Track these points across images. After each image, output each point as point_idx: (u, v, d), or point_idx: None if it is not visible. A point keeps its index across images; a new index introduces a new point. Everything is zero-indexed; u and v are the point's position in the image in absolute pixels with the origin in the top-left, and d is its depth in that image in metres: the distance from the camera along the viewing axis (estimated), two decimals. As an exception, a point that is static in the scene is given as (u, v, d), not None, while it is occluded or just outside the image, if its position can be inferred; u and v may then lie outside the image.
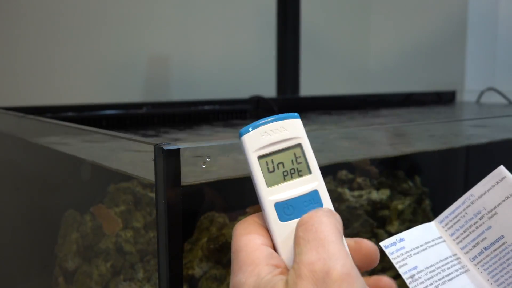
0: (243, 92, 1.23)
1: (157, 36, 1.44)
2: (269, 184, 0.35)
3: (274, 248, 0.34)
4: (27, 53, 1.26)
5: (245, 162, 0.36)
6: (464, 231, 0.41)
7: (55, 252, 0.70)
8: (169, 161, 0.44)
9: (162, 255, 0.45)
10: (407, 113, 1.20)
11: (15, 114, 0.82)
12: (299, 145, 0.36)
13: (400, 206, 0.69)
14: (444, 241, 0.42)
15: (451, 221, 0.42)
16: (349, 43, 1.83)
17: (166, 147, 0.44)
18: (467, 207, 0.41)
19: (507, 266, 0.39)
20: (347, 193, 0.65)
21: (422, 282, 0.39)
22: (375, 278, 0.35)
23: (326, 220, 0.32)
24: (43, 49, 1.28)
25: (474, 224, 0.41)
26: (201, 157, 0.47)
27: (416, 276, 0.39)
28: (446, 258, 0.41)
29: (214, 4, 1.52)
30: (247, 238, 0.34)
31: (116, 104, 0.97)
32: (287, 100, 1.23)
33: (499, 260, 0.39)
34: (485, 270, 0.40)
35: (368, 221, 0.66)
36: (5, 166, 0.89)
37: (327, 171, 0.60)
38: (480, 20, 1.60)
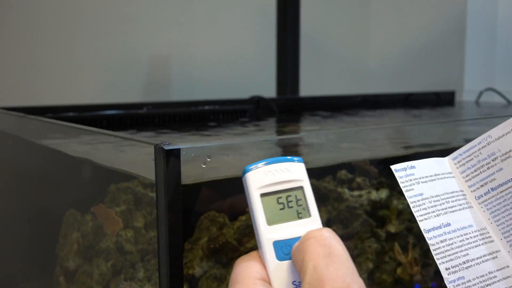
0: (243, 92, 1.23)
1: (157, 36, 1.44)
2: (270, 222, 0.35)
3: (271, 285, 0.34)
4: (28, 53, 1.26)
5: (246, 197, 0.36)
6: (475, 170, 0.42)
7: (56, 252, 0.70)
8: (170, 161, 0.44)
9: (162, 255, 0.46)
10: (406, 113, 1.20)
11: (16, 114, 0.82)
12: (301, 188, 0.37)
13: (399, 206, 0.69)
14: (453, 177, 0.43)
15: (464, 159, 0.43)
16: (349, 43, 1.84)
17: (166, 147, 0.44)
18: (482, 147, 0.42)
19: (510, 208, 0.40)
20: (346, 193, 0.65)
21: (425, 209, 0.40)
22: None
23: (335, 237, 0.33)
24: (44, 49, 1.28)
25: (486, 164, 0.42)
26: (201, 156, 0.47)
27: (420, 202, 0.40)
28: (452, 192, 0.42)
29: (214, 4, 1.52)
30: (245, 271, 0.34)
31: (117, 104, 0.97)
32: (287, 100, 1.24)
33: (503, 201, 0.40)
34: (488, 209, 0.41)
35: (367, 221, 0.66)
36: (6, 166, 0.89)
37: (327, 171, 0.60)
38: (479, 21, 1.60)
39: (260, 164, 0.36)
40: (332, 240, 0.32)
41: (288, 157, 0.37)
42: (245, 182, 0.36)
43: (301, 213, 0.36)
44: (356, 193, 0.66)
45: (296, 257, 0.33)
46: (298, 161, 0.37)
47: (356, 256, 0.64)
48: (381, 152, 0.69)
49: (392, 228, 0.68)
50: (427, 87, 1.63)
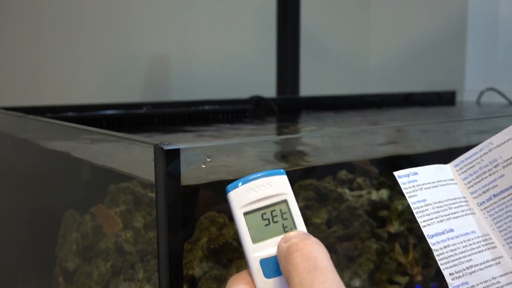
0: (243, 92, 1.23)
1: (157, 36, 1.44)
2: (255, 240, 0.35)
3: None
4: (28, 53, 1.26)
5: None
6: (477, 177, 0.42)
7: (55, 252, 0.70)
8: (169, 161, 0.44)
9: (162, 255, 0.45)
10: (407, 113, 1.20)
11: (15, 114, 0.82)
12: (285, 201, 0.36)
13: (400, 206, 0.69)
14: (456, 183, 0.43)
15: (466, 165, 0.43)
16: (349, 43, 1.83)
17: (166, 147, 0.44)
18: (484, 154, 0.42)
19: None
20: (347, 193, 0.65)
21: (428, 214, 0.41)
22: None
23: (321, 249, 0.33)
24: (43, 49, 1.28)
25: (488, 171, 0.42)
26: (201, 156, 0.47)
27: (423, 208, 0.41)
28: (455, 199, 0.42)
29: (214, 4, 1.52)
30: None
31: (116, 104, 0.97)
32: (287, 100, 1.24)
33: (505, 208, 0.40)
34: (490, 216, 0.41)
35: (368, 221, 0.66)
36: (5, 166, 0.89)
37: (327, 171, 0.60)
38: (480, 20, 1.60)
39: (240, 183, 0.36)
40: (317, 253, 0.32)
41: (270, 171, 0.37)
42: (229, 201, 0.36)
43: (287, 226, 0.36)
44: (356, 193, 0.66)
45: (283, 267, 0.33)
46: (280, 173, 0.37)
47: (357, 257, 0.64)
48: (381, 151, 0.69)
49: (392, 229, 0.68)
50: (428, 87, 1.63)
